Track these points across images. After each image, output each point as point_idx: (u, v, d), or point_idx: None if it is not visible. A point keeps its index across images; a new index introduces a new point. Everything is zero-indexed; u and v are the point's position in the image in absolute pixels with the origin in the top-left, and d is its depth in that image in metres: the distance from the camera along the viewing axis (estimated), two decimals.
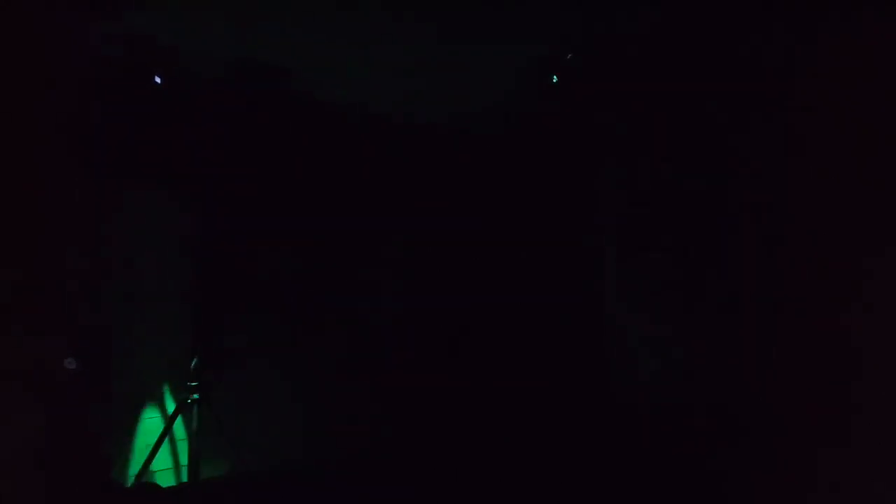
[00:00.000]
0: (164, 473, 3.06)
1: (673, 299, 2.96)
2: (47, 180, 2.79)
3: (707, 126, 2.79)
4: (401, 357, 4.00)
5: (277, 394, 3.44)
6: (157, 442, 2.85)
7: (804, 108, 2.39)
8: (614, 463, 3.21)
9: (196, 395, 2.89)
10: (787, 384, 2.45)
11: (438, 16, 2.79)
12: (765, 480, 2.52)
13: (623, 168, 3.27)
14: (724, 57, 2.69)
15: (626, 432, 3.20)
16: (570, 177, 3.79)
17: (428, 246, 4.20)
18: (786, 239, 2.46)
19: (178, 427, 3.01)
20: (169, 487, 3.04)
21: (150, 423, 3.05)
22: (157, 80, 3.06)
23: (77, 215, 2.93)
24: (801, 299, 2.39)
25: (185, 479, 2.93)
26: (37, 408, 2.63)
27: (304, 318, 3.59)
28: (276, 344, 3.45)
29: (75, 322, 2.82)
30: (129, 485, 2.89)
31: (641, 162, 3.15)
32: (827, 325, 2.31)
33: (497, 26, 2.91)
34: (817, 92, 2.35)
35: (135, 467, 2.95)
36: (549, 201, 4.00)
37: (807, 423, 2.37)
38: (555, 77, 3.38)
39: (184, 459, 2.95)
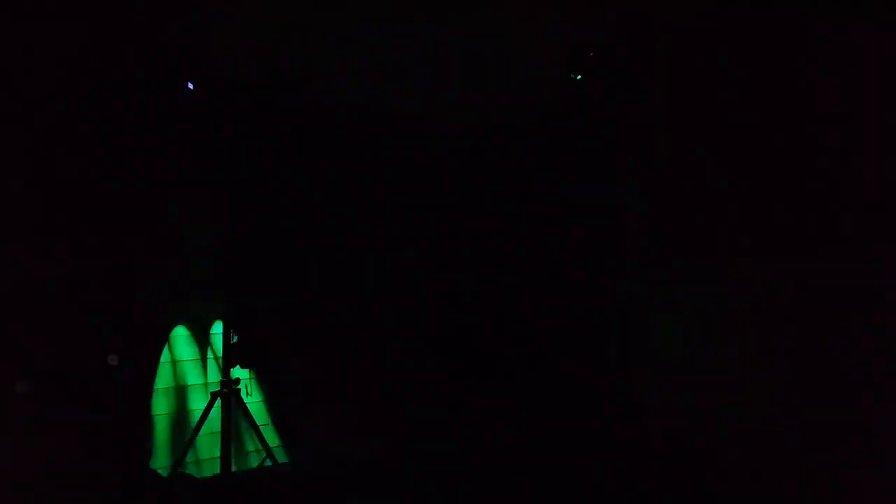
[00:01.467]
0: (200, 465, 3.16)
1: (698, 305, 2.92)
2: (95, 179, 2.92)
3: (739, 125, 2.74)
4: (429, 355, 4.05)
5: (311, 387, 3.50)
6: (193, 433, 2.96)
7: (833, 112, 2.34)
8: (634, 472, 3.18)
9: (231, 387, 2.99)
10: (819, 393, 2.39)
11: (457, 15, 2.82)
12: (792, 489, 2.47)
13: (647, 170, 3.24)
14: (755, 53, 2.65)
15: (647, 439, 3.17)
16: (593, 178, 3.77)
17: (447, 247, 4.23)
18: (816, 242, 2.40)
19: (214, 419, 3.09)
20: (204, 478, 3.14)
21: (187, 415, 3.17)
22: (190, 85, 3.16)
23: (115, 218, 3.07)
24: (836, 305, 2.33)
25: (219, 470, 3.03)
26: (78, 402, 2.77)
27: (338, 313, 3.64)
28: (311, 337, 3.51)
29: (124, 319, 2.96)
30: (165, 476, 3.00)
31: (666, 164, 3.12)
32: (866, 334, 2.24)
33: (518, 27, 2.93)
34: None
35: (171, 458, 3.05)
36: (570, 203, 3.99)
37: (840, 435, 2.31)
38: (578, 75, 3.38)
39: (219, 451, 3.04)
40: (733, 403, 2.70)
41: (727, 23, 2.72)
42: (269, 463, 3.12)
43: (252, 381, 3.31)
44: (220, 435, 3.00)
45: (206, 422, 2.98)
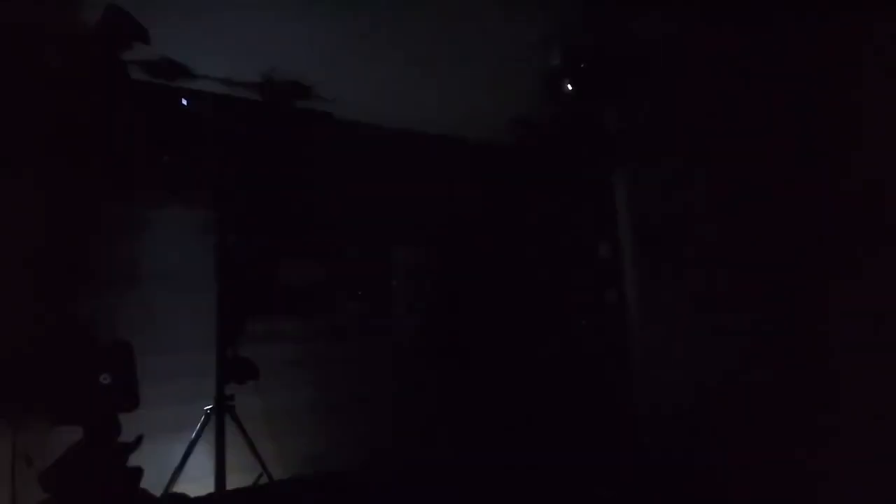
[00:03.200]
0: (194, 483, 3.08)
1: (695, 308, 2.94)
2: (76, 196, 2.89)
3: (732, 128, 2.77)
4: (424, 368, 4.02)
5: (303, 402, 3.47)
6: (186, 452, 2.89)
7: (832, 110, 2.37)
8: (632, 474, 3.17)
9: (223, 405, 2.94)
10: (814, 397, 2.39)
11: (452, 26, 2.84)
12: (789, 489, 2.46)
13: (641, 175, 3.27)
14: (748, 56, 2.68)
15: (645, 441, 3.17)
16: (588, 185, 3.80)
17: (446, 256, 4.22)
18: (817, 245, 2.41)
19: (207, 437, 3.03)
20: (197, 498, 3.07)
21: (179, 433, 3.09)
22: (184, 101, 3.15)
23: (102, 233, 3.03)
24: (839, 309, 2.34)
25: (214, 488, 2.96)
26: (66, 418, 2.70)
27: (329, 328, 3.63)
28: (302, 352, 3.49)
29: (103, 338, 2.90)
30: (157, 496, 2.92)
31: (659, 169, 3.15)
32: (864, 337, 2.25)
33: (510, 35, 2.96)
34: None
35: (163, 478, 2.97)
36: (565, 209, 4.01)
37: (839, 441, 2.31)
38: (569, 86, 3.41)
39: (212, 469, 2.97)
40: (729, 405, 2.71)
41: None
42: (264, 480, 3.06)
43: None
44: (213, 452, 2.94)
45: (200, 439, 2.92)
